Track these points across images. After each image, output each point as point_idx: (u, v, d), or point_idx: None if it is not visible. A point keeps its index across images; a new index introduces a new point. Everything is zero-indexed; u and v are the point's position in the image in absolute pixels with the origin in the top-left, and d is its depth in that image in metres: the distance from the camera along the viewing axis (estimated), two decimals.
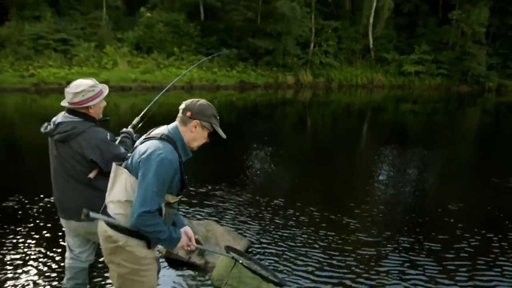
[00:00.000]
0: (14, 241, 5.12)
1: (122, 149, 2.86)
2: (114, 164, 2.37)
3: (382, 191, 7.59)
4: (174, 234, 2.26)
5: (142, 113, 3.42)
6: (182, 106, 2.33)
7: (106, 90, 2.96)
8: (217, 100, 23.67)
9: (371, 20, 31.92)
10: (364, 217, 6.17)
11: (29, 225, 5.57)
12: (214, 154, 9.31)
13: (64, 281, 3.05)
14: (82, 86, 2.77)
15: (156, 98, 3.67)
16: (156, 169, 2.09)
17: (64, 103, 2.82)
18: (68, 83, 2.92)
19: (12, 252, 4.84)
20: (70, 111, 2.80)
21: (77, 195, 2.80)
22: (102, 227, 2.32)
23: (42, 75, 24.11)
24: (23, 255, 4.76)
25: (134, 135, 3.19)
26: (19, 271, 4.40)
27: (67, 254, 3.06)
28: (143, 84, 25.98)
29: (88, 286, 3.12)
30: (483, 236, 5.51)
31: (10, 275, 4.29)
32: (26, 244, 5.04)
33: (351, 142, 12.78)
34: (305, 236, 5.45)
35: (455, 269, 4.61)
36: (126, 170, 2.25)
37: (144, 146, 2.19)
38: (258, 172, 8.75)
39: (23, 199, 6.49)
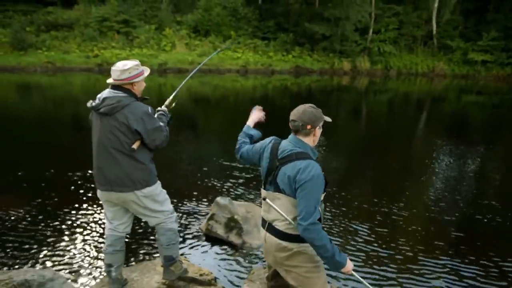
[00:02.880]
0: (63, 209, 5.52)
1: (161, 123, 3.07)
2: (265, 193, 2.56)
3: (435, 188, 7.17)
4: (337, 256, 2.39)
5: (174, 94, 3.62)
6: (297, 122, 2.46)
7: (147, 71, 3.15)
8: (271, 84, 23.68)
9: (436, 4, 30.25)
10: (412, 214, 5.95)
11: (78, 195, 5.96)
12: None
13: (104, 247, 3.28)
14: (128, 65, 2.97)
15: (186, 80, 3.91)
16: (314, 185, 2.35)
17: (109, 81, 3.01)
18: None
19: (60, 219, 5.24)
20: (115, 87, 2.99)
21: (119, 166, 2.96)
22: (275, 241, 2.51)
23: (105, 56, 25.33)
24: (71, 222, 5.15)
25: (169, 114, 3.37)
26: (67, 237, 4.77)
27: (106, 225, 3.28)
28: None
29: (124, 252, 3.33)
30: None
31: (58, 241, 4.66)
32: (74, 212, 5.42)
33: (407, 133, 12.26)
34: (347, 227, 5.39)
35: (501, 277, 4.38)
36: (281, 195, 2.44)
37: (296, 166, 2.38)
38: None
39: (79, 173, 6.94)
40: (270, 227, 2.53)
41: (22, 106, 14.99)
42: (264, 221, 2.61)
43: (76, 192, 6.16)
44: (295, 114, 2.49)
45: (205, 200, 6.07)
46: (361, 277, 2.76)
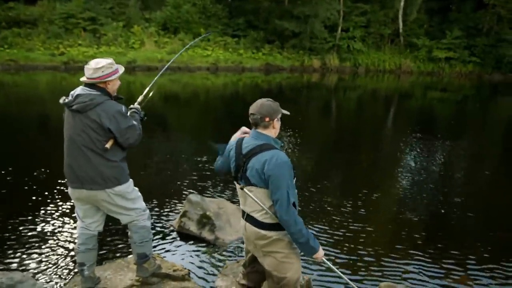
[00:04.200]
0: (31, 210, 5.39)
1: (134, 122, 3.06)
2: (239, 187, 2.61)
3: (402, 184, 7.31)
4: (312, 242, 2.50)
5: (146, 90, 3.59)
6: (255, 116, 2.54)
7: (121, 69, 3.13)
8: (242, 82, 23.71)
9: (402, 3, 31.01)
10: (379, 210, 6.11)
11: (45, 195, 5.83)
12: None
13: (76, 246, 3.23)
14: (102, 63, 2.94)
15: (158, 75, 3.87)
16: (283, 172, 2.42)
17: (83, 79, 2.97)
18: None
19: (29, 220, 5.11)
20: (89, 85, 2.95)
21: (90, 164, 2.93)
22: (254, 229, 2.59)
23: (72, 54, 24.68)
24: (40, 222, 5.04)
25: (142, 112, 3.36)
26: (36, 238, 4.65)
27: (78, 223, 3.23)
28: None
29: (97, 250, 3.30)
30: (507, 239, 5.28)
31: (27, 242, 4.55)
32: (43, 212, 5.30)
33: (375, 130, 12.55)
34: (315, 223, 5.47)
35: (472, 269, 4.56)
36: (253, 187, 2.51)
37: (262, 158, 2.46)
38: None
39: (45, 173, 6.77)
40: (248, 217, 2.62)
41: None
42: (243, 212, 2.69)
43: (43, 192, 5.99)
44: (253, 108, 2.57)
45: (177, 197, 6.04)
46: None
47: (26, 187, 6.23)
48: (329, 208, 5.85)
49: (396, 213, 5.91)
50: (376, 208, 5.97)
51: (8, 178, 6.62)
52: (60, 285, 3.71)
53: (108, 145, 2.92)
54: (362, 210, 5.84)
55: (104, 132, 2.90)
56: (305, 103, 17.99)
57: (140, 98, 3.47)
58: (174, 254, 4.45)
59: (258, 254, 2.68)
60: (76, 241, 3.24)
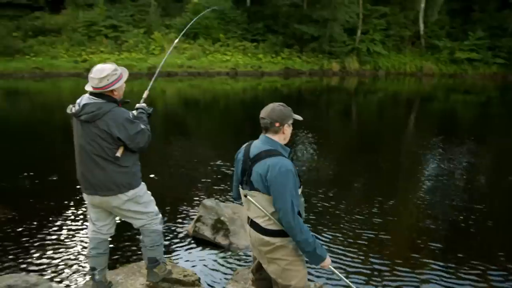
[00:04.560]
0: (47, 214, 5.50)
1: (142, 125, 3.05)
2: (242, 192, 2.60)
3: (424, 190, 7.05)
4: (318, 250, 2.46)
5: (149, 87, 3.59)
6: (265, 120, 2.50)
7: (126, 73, 3.11)
8: (261, 86, 23.75)
9: (423, 5, 30.55)
10: (400, 216, 5.97)
11: (61, 200, 5.95)
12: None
13: (88, 250, 3.28)
14: (106, 71, 2.91)
15: (155, 76, 3.88)
16: (285, 181, 2.39)
17: (88, 88, 2.96)
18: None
19: (44, 224, 5.22)
20: (94, 93, 2.95)
21: (102, 171, 2.96)
22: (258, 236, 2.56)
23: (94, 61, 25.12)
24: (56, 226, 5.15)
25: (150, 108, 3.35)
26: (51, 241, 4.76)
27: (89, 227, 3.28)
28: (189, 69, 26.50)
29: (108, 255, 3.33)
30: None
31: (43, 245, 4.66)
32: (59, 216, 5.44)
33: (396, 133, 12.35)
34: (328, 230, 5.40)
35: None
36: (256, 192, 2.48)
37: (266, 164, 2.42)
38: (297, 159, 8.69)
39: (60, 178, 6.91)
40: (252, 223, 2.60)
41: (10, 112, 14.88)
42: (247, 217, 2.67)
43: (61, 196, 6.13)
44: (264, 112, 2.53)
45: (192, 202, 6.08)
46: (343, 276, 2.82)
47: (45, 191, 6.39)
48: (343, 215, 5.76)
49: (414, 221, 5.77)
50: (393, 215, 5.84)
51: (27, 182, 6.81)
52: None
53: (118, 154, 2.95)
54: (378, 216, 5.72)
55: (113, 141, 2.92)
56: (325, 107, 17.89)
57: (145, 94, 3.48)
58: (187, 259, 4.48)
59: (263, 260, 2.65)
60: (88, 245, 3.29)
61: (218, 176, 7.29)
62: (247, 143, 2.68)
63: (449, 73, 30.24)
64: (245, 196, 2.54)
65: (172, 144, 9.60)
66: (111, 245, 4.43)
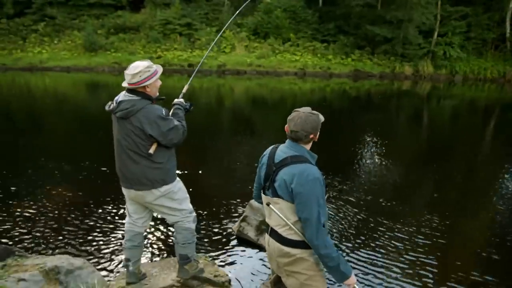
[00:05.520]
0: (87, 205, 5.91)
1: (176, 122, 3.11)
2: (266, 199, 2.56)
3: (496, 210, 6.39)
4: (342, 266, 2.34)
5: (189, 82, 3.71)
6: (299, 133, 2.40)
7: (160, 70, 3.20)
8: (329, 88, 23.40)
9: (511, 5, 28.25)
10: (458, 237, 5.46)
11: (100, 192, 6.31)
12: (321, 143, 9.28)
13: (123, 242, 3.44)
14: (139, 68, 3.01)
15: (194, 72, 4.02)
16: (312, 190, 2.31)
17: (124, 84, 3.09)
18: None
19: (85, 215, 5.60)
20: (130, 90, 3.07)
21: (137, 166, 3.08)
22: (277, 246, 2.48)
23: (168, 57, 26.39)
24: (107, 214, 5.54)
25: (187, 103, 3.43)
26: (89, 231, 5.07)
27: (126, 219, 3.44)
28: (258, 68, 26.79)
29: (142, 247, 3.48)
30: None
31: (81, 234, 5.02)
32: (112, 205, 5.81)
33: (472, 143, 11.48)
34: (371, 247, 5.21)
35: None
36: (280, 199, 2.40)
37: (292, 171, 2.35)
38: (363, 166, 8.48)
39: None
40: (272, 232, 2.51)
41: (91, 103, 16.05)
42: (268, 226, 2.59)
43: (111, 186, 6.39)
44: (296, 124, 2.40)
45: (241, 201, 6.15)
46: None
47: (99, 181, 6.83)
48: (389, 233, 5.36)
49: (472, 248, 5.15)
50: (447, 238, 5.29)
51: (87, 172, 7.30)
52: (113, 275, 4.02)
53: (151, 150, 3.04)
54: (426, 238, 5.20)
55: (146, 137, 3.02)
56: (394, 111, 17.22)
57: (185, 89, 3.57)
58: (226, 257, 4.56)
59: (281, 273, 2.56)
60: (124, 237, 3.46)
61: None
62: (272, 146, 2.59)
63: None
64: (268, 204, 2.47)
65: (231, 142, 9.77)
66: (153, 238, 4.68)
